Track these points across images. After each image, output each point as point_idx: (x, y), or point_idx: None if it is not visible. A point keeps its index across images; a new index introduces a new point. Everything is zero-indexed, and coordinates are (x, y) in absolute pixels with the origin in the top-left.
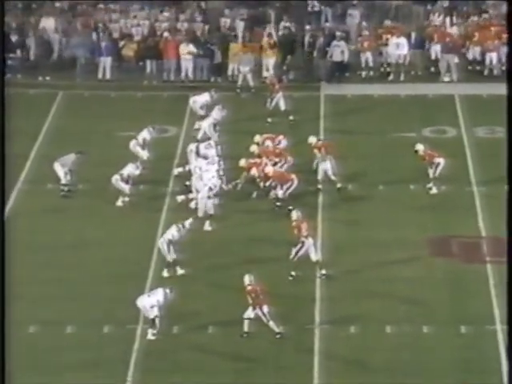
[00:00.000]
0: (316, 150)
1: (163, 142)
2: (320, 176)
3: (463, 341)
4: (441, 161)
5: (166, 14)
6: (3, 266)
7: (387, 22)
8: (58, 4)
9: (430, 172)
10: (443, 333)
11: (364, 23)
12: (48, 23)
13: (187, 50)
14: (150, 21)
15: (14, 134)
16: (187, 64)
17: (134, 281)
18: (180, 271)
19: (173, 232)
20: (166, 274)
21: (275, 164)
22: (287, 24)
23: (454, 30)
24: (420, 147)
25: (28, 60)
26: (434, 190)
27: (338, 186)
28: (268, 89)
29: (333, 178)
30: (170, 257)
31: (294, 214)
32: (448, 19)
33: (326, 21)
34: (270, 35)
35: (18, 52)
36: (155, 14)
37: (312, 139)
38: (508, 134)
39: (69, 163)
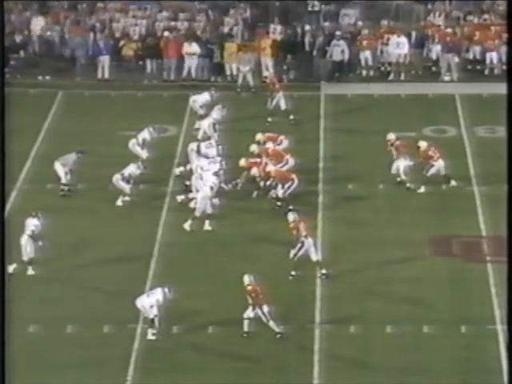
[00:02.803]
0: (392, 149)
1: (163, 141)
2: (394, 172)
3: (464, 340)
4: (435, 164)
5: (164, 13)
6: (3, 265)
7: (384, 22)
8: (57, 3)
9: (424, 170)
10: (444, 332)
11: (360, 22)
12: (47, 22)
13: (191, 49)
14: (148, 20)
15: (14, 133)
16: (191, 62)
17: (134, 280)
18: (31, 272)
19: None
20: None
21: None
22: (287, 24)
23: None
24: (423, 144)
25: (28, 59)
26: (422, 189)
27: (408, 185)
28: (268, 88)
29: (403, 177)
30: (29, 255)
31: (291, 216)
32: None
33: (326, 20)
34: (270, 35)
35: (21, 52)
36: (155, 13)
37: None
38: (508, 134)
39: (69, 163)
